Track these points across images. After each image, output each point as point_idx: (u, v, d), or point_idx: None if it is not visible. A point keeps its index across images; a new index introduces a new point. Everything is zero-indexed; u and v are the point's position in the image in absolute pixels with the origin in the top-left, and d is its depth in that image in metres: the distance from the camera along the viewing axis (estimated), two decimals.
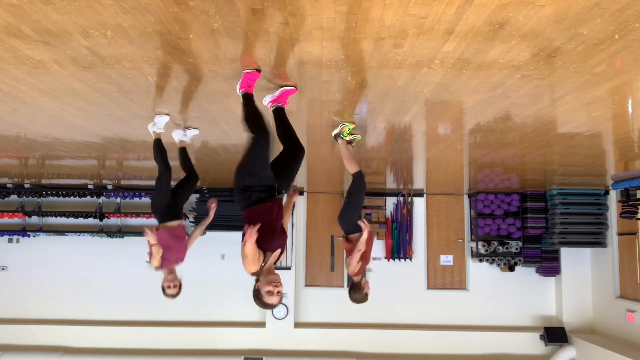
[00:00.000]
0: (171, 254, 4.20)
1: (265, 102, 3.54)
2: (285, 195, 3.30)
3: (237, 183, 3.06)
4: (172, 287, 4.18)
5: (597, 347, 8.18)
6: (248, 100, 3.22)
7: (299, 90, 3.53)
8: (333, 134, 4.57)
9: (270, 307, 2.98)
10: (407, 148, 5.58)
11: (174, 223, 4.32)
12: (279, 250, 3.05)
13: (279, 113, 3.48)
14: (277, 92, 3.49)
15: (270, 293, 2.91)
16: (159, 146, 4.39)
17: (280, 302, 2.99)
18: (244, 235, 2.85)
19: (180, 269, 4.42)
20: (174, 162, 4.65)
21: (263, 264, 2.96)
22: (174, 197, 4.42)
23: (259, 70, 3.16)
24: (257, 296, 2.94)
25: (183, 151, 4.75)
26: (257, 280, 2.99)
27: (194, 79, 3.32)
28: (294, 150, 3.39)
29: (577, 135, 4.70)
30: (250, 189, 3.02)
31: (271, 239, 2.99)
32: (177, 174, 4.85)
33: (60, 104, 3.90)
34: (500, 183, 8.49)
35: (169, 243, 4.18)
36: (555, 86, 3.34)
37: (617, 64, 2.91)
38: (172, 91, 3.57)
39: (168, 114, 4.31)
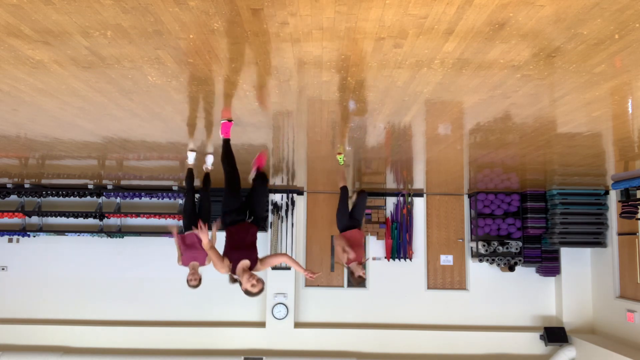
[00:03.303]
0: (190, 253, 5.36)
1: (251, 176, 4.53)
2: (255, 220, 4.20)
3: (221, 208, 4.15)
4: (193, 280, 5.26)
5: (597, 347, 8.18)
6: (227, 144, 4.26)
7: (299, 90, 3.53)
8: None
9: (256, 294, 3.81)
10: (407, 148, 5.58)
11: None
12: (247, 262, 3.87)
13: (260, 175, 4.53)
14: (253, 166, 4.57)
15: (253, 286, 3.76)
16: (190, 173, 5.69)
17: (262, 290, 3.80)
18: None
19: (182, 269, 5.65)
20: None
21: (232, 271, 3.86)
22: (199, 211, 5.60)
23: (230, 120, 4.26)
24: (247, 293, 3.81)
25: (207, 176, 5.91)
26: (240, 285, 3.84)
27: (194, 79, 3.32)
28: (260, 186, 4.44)
29: (577, 135, 4.70)
30: (225, 213, 4.06)
31: (237, 252, 3.89)
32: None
33: (60, 104, 3.90)
34: (500, 183, 8.48)
35: (190, 245, 5.36)
36: (555, 86, 3.34)
37: (617, 64, 2.91)
38: (172, 91, 3.57)
39: (195, 150, 5.53)
